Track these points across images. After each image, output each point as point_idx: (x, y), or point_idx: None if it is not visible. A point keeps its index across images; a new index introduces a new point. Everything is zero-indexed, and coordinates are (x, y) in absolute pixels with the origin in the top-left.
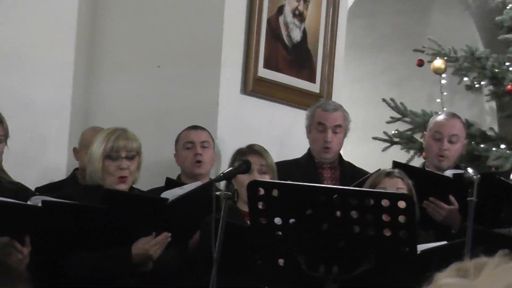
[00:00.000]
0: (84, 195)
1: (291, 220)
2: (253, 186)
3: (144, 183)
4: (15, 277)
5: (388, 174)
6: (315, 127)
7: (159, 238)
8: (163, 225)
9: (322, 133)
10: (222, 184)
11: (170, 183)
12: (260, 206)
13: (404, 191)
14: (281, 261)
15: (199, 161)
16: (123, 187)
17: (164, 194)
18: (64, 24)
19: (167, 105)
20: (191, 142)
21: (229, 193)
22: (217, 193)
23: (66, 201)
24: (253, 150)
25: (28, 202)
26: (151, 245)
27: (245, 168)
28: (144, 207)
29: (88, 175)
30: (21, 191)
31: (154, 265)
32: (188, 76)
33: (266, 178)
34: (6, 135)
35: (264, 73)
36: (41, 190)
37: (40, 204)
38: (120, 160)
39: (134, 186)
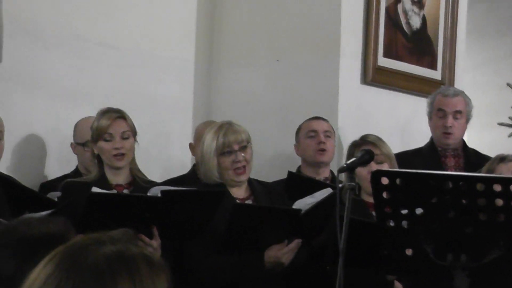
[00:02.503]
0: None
1: (418, 210)
2: (377, 175)
3: (266, 175)
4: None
5: (502, 159)
6: (435, 114)
7: (291, 246)
8: (295, 232)
9: (442, 119)
10: (343, 178)
11: (293, 177)
12: (384, 195)
13: None
14: (409, 251)
15: (322, 150)
16: (243, 178)
17: (297, 204)
18: (184, 21)
19: (287, 97)
20: (314, 131)
21: (353, 183)
22: (340, 185)
23: (184, 188)
24: (367, 140)
25: (148, 193)
26: (283, 253)
27: (368, 158)
28: (276, 218)
29: (203, 174)
30: None
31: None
32: (307, 68)
33: (384, 167)
34: (133, 132)
35: (384, 62)
36: (163, 184)
37: (159, 195)
38: (235, 154)
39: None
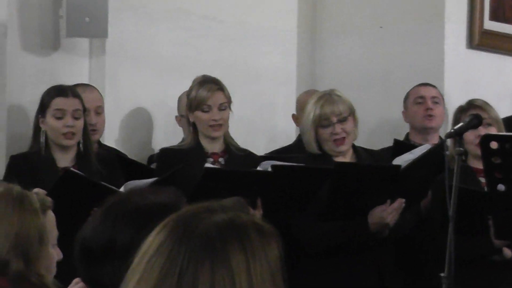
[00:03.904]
0: (310, 163)
1: None
2: (486, 140)
3: (372, 142)
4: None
5: None
6: None
7: (394, 205)
8: (397, 191)
9: None
10: (449, 144)
11: (398, 145)
12: (494, 160)
13: None
14: None
15: (430, 115)
16: (343, 148)
17: (396, 161)
18: None
19: (392, 64)
20: (422, 97)
21: (461, 149)
22: (447, 152)
23: (295, 164)
24: (473, 105)
25: (258, 168)
26: (387, 213)
27: (477, 122)
28: (377, 176)
29: (305, 144)
30: (248, 157)
31: (390, 231)
32: (411, 34)
33: (492, 131)
34: (229, 102)
35: (490, 25)
36: (268, 155)
37: (269, 169)
38: (332, 126)
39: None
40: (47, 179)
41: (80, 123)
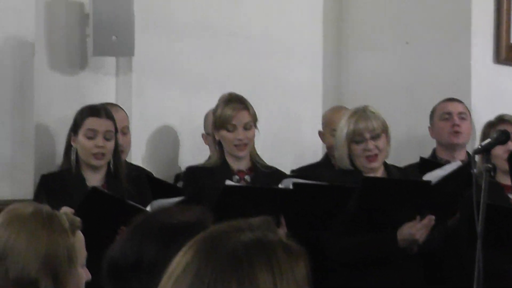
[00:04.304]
0: (339, 179)
1: None
2: None
3: (398, 158)
4: None
5: None
6: None
7: (424, 222)
8: (427, 207)
9: None
10: (477, 161)
11: (424, 162)
12: None
13: None
14: None
15: (457, 132)
16: (375, 165)
17: (426, 177)
18: (311, 5)
19: (418, 79)
20: (449, 113)
21: (489, 165)
22: (475, 168)
23: (316, 182)
24: (503, 120)
25: (280, 185)
26: (416, 229)
27: (505, 138)
28: (406, 191)
29: (337, 159)
30: (275, 174)
31: (418, 247)
32: (437, 49)
33: None
34: (255, 120)
35: None
36: (296, 172)
37: (291, 186)
38: (366, 142)
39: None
40: (76, 198)
41: (111, 144)
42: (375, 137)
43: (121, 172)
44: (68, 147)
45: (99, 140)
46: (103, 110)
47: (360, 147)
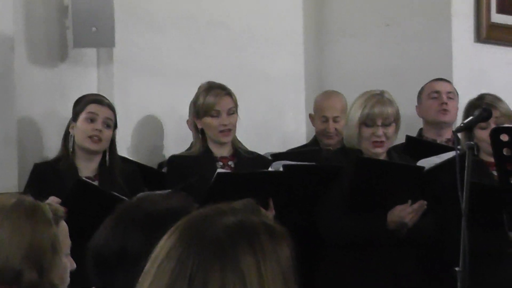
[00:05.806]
0: (339, 158)
1: None
2: (496, 132)
3: None
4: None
5: None
6: None
7: (415, 206)
8: (420, 193)
9: None
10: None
11: (411, 141)
12: (505, 152)
13: None
14: None
15: (445, 110)
16: (379, 151)
17: (421, 162)
18: None
19: (400, 62)
20: (437, 92)
21: (472, 143)
22: (459, 147)
23: (306, 163)
24: (484, 101)
25: (270, 168)
26: (407, 213)
27: (486, 115)
28: (398, 175)
29: (345, 138)
30: (257, 159)
31: (409, 232)
32: (418, 31)
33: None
34: (237, 106)
35: (497, 18)
36: (277, 156)
37: (281, 169)
38: (376, 127)
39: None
40: (68, 187)
41: (109, 132)
42: (386, 125)
43: (116, 166)
44: (66, 135)
45: (98, 124)
46: (106, 100)
47: (369, 131)
